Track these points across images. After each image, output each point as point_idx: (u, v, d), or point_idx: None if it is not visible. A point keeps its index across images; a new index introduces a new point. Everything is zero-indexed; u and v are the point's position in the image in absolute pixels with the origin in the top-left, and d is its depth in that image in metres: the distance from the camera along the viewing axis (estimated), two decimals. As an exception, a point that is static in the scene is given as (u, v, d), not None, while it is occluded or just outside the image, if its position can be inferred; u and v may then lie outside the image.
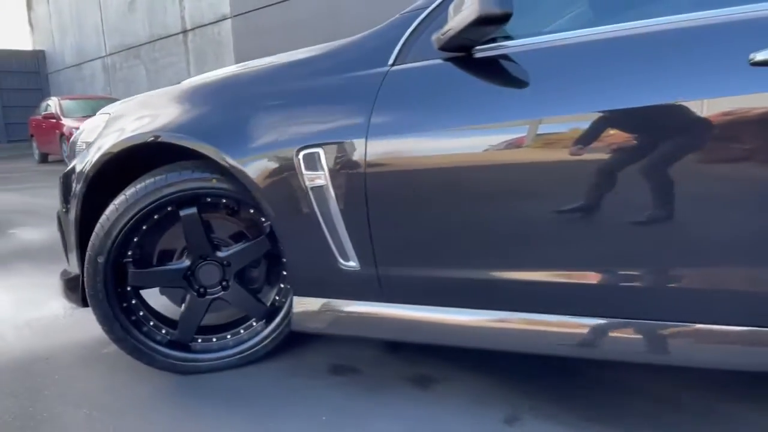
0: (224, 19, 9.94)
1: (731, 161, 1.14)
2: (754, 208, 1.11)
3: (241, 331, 1.78)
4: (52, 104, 11.95)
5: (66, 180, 1.80)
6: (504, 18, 1.15)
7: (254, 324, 1.78)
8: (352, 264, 1.46)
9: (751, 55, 1.08)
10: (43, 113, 11.91)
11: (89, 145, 1.78)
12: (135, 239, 1.63)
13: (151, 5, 11.95)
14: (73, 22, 15.93)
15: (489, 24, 1.17)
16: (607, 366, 1.64)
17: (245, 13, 9.68)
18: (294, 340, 1.82)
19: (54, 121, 10.91)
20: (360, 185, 1.40)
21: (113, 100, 11.18)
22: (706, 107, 1.12)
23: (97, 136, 1.77)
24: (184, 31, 11.08)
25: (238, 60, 9.78)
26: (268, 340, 1.75)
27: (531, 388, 1.56)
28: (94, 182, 1.70)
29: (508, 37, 1.35)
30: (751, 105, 1.09)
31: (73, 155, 1.88)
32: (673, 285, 1.19)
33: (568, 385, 1.57)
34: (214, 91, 1.63)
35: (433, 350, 1.73)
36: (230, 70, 1.72)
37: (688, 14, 1.17)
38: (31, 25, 19.31)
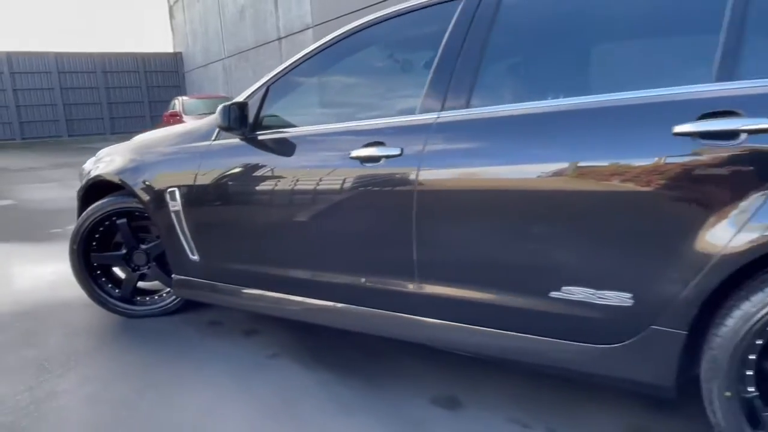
0: (308, 28, 11.21)
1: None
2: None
3: (164, 294, 2.87)
4: (177, 103, 14.13)
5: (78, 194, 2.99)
6: (227, 128, 2.08)
7: (171, 290, 2.85)
8: (196, 258, 2.46)
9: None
10: (171, 110, 14.17)
11: (86, 174, 2.94)
12: (96, 236, 2.76)
13: (256, 14, 13.63)
14: (201, 27, 18.34)
15: (223, 130, 2.10)
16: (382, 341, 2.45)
17: (325, 22, 10.84)
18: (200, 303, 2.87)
19: (178, 117, 12.93)
20: (193, 211, 2.39)
21: (227, 99, 13.07)
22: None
23: (90, 169, 2.93)
24: (279, 39, 12.58)
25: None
26: (176, 300, 2.81)
27: (310, 342, 2.45)
28: (84, 198, 2.87)
29: (268, 127, 2.24)
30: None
31: (80, 178, 3.06)
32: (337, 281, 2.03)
33: (336, 345, 2.43)
34: (134, 148, 2.70)
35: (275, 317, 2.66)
36: (150, 133, 2.78)
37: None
38: (172, 30, 22.36)
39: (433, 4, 1.93)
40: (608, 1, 1.65)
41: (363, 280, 1.96)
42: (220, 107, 2.13)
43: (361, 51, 2.17)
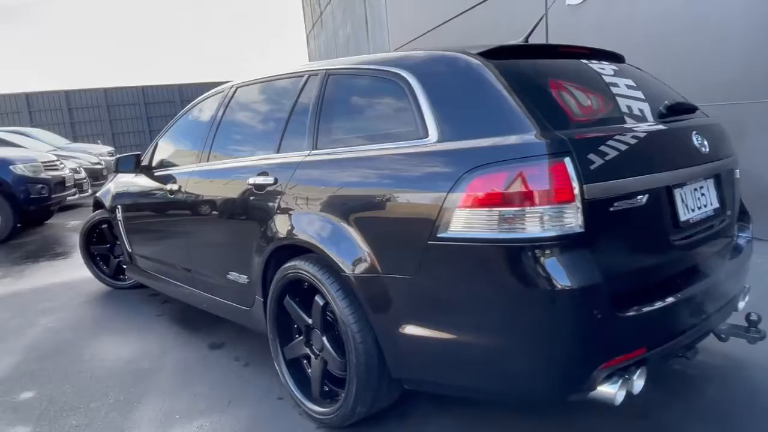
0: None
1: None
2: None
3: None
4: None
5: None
6: (116, 171, 3.44)
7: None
8: (130, 250, 3.87)
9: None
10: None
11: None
12: (94, 234, 4.33)
13: (357, 42, 15.30)
14: (326, 53, 20.63)
15: (114, 172, 3.48)
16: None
17: (400, 47, 12.04)
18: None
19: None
20: (126, 219, 3.80)
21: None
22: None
23: (97, 191, 4.53)
24: (371, 64, 14.02)
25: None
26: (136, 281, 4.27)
27: (189, 309, 3.72)
28: (95, 209, 4.48)
29: (161, 166, 3.56)
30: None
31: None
32: (184, 274, 3.28)
33: (204, 313, 3.67)
34: (112, 179, 4.20)
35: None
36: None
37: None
38: (309, 56, 25.18)
39: (206, 100, 3.13)
40: (245, 118, 2.84)
41: (175, 266, 3.19)
42: (114, 158, 3.51)
43: (178, 128, 3.41)
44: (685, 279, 1.77)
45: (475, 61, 1.81)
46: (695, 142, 1.85)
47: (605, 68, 2.07)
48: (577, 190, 1.51)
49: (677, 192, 1.77)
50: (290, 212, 2.17)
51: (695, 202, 1.85)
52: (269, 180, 2.29)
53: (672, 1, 4.66)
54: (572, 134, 1.57)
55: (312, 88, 2.34)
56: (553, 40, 5.98)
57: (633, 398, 1.75)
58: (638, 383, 1.62)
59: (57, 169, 7.73)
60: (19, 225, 7.18)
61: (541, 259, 1.52)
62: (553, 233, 1.51)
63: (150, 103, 22.63)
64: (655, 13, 4.85)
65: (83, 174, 10.26)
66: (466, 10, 8.18)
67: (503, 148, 1.58)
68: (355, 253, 1.88)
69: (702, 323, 1.82)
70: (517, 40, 2.29)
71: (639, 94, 2.00)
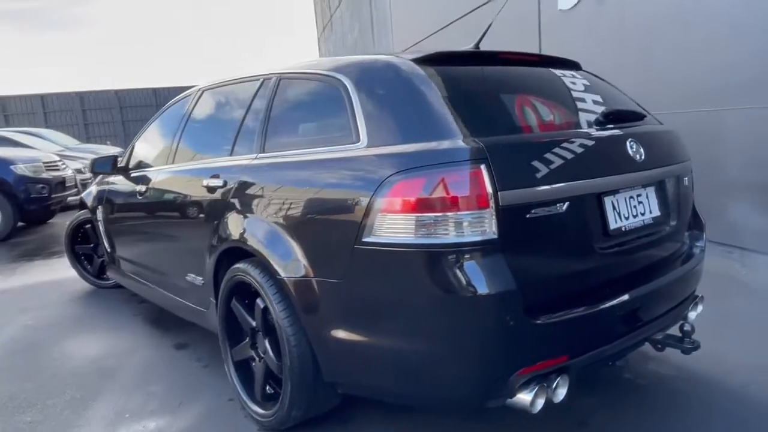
0: (391, 59, 12.51)
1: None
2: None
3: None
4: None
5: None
6: (92, 172, 3.49)
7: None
8: (109, 250, 3.93)
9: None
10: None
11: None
12: (79, 234, 4.40)
13: (363, 46, 15.35)
14: (335, 55, 20.76)
15: (91, 173, 3.53)
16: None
17: (405, 50, 12.04)
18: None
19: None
20: (104, 219, 3.86)
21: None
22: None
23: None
24: (376, 67, 14.07)
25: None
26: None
27: (162, 312, 3.76)
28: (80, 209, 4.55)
29: (137, 167, 3.61)
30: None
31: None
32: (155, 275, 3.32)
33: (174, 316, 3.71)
34: (95, 185, 4.26)
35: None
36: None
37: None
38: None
39: (177, 102, 3.17)
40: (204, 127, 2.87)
41: (146, 267, 3.23)
42: (90, 159, 3.57)
43: (151, 130, 3.46)
44: (614, 288, 1.75)
45: (408, 67, 1.81)
46: (629, 150, 1.83)
47: (551, 76, 2.06)
48: (491, 197, 1.50)
49: (608, 200, 1.76)
50: (236, 215, 2.19)
51: (630, 210, 1.83)
52: (219, 182, 2.32)
53: (663, 6, 4.61)
54: (491, 141, 1.56)
55: (265, 91, 2.36)
56: (545, 45, 5.95)
57: (573, 405, 1.74)
58: (560, 391, 1.61)
59: (58, 170, 7.86)
60: (20, 224, 7.32)
61: (454, 265, 1.52)
62: (466, 239, 1.51)
63: (161, 105, 22.89)
64: (646, 18, 4.80)
65: (88, 174, 10.39)
66: (469, 12, 8.16)
67: (424, 154, 1.59)
68: (290, 257, 1.89)
69: (633, 333, 1.80)
70: (468, 46, 2.29)
71: (585, 104, 1.99)
